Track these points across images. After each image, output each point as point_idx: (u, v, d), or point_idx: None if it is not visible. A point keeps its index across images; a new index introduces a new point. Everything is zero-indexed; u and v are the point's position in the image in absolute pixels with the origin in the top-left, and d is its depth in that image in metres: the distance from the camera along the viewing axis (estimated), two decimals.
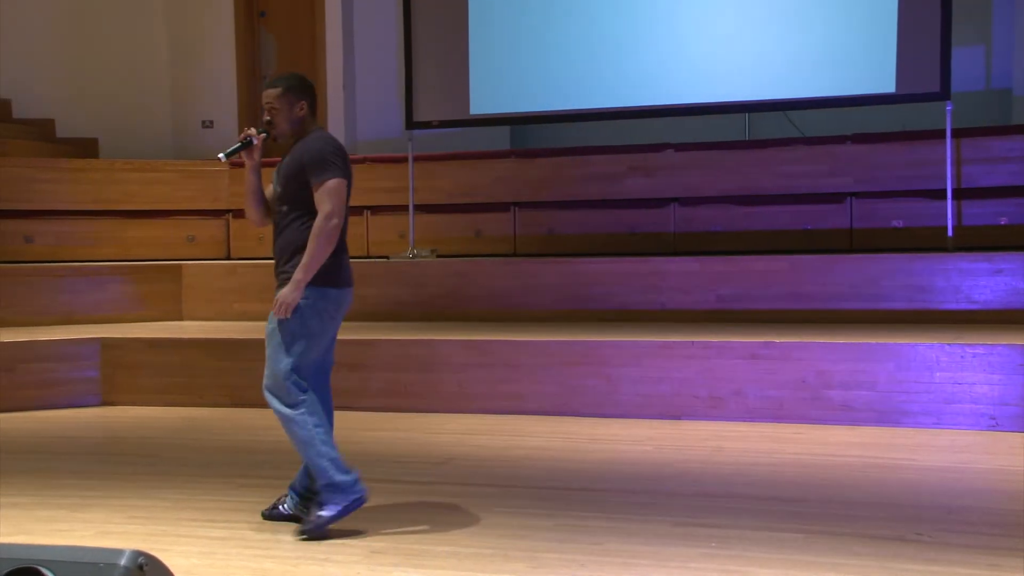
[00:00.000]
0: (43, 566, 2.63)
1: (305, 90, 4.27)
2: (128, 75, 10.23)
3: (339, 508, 4.07)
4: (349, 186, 4.14)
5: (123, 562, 2.62)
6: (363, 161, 9.26)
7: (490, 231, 8.83)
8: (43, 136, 9.94)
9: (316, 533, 4.04)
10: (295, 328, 4.08)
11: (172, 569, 2.77)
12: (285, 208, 4.17)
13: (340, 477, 4.08)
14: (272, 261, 4.21)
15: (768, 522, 4.16)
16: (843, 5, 7.67)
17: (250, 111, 10.34)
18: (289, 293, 4.04)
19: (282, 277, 4.12)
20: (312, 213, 4.09)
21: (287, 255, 4.12)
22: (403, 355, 6.78)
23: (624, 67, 8.09)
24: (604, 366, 6.42)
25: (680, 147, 8.60)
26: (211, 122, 10.34)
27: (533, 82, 8.33)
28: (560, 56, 8.25)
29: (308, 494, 4.21)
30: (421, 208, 8.73)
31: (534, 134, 10.59)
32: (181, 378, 7.08)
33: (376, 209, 9.07)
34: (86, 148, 10.01)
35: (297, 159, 4.15)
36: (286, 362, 4.11)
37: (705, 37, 7.95)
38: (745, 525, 4.13)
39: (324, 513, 4.06)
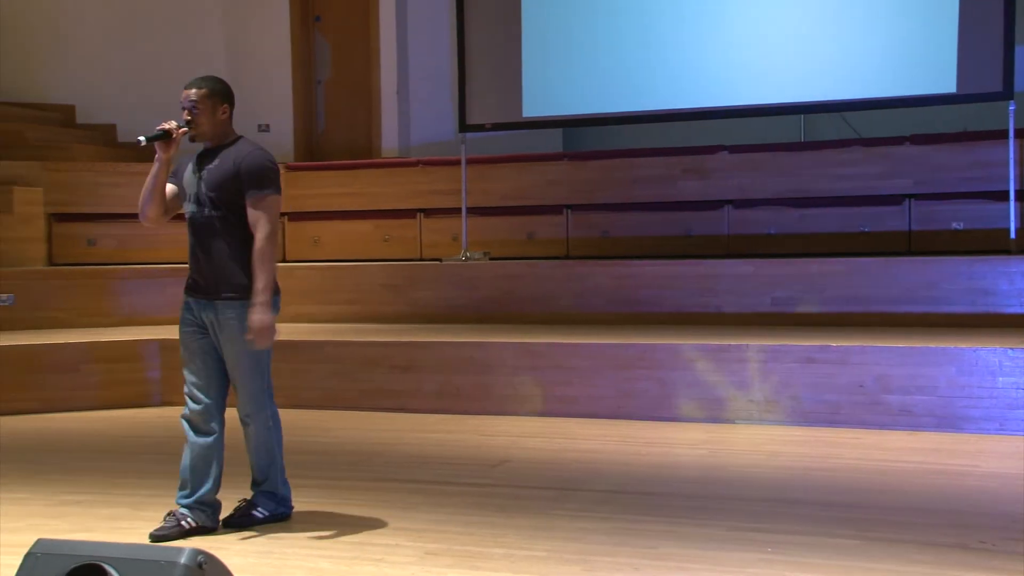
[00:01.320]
0: (106, 563, 2.68)
1: (228, 95, 4.27)
2: (186, 80, 10.34)
3: (268, 515, 4.29)
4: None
5: (183, 560, 2.66)
6: (416, 164, 9.31)
7: (543, 234, 8.83)
8: (105, 141, 10.13)
9: (242, 524, 4.22)
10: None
11: (230, 567, 2.81)
12: (214, 214, 4.11)
13: (285, 491, 4.35)
14: (181, 265, 4.28)
15: (825, 527, 4.11)
16: (902, 3, 7.56)
17: (305, 114, 10.44)
18: (266, 319, 4.05)
19: (227, 298, 4.09)
20: (241, 222, 4.09)
21: (227, 278, 4.10)
22: (456, 357, 6.80)
23: (677, 69, 8.05)
24: (658, 369, 6.39)
25: (734, 149, 8.54)
26: (267, 126, 10.46)
27: (586, 84, 8.31)
28: (613, 58, 8.22)
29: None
30: (474, 211, 8.75)
31: (587, 136, 10.57)
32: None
33: (429, 212, 9.11)
34: (145, 152, 10.14)
35: (231, 166, 4.12)
36: (262, 380, 4.23)
37: (759, 37, 7.87)
38: (801, 530, 4.08)
39: (257, 514, 4.27)
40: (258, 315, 4.05)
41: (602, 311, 7.68)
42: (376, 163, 9.67)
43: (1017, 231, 7.22)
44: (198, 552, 2.68)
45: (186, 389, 4.21)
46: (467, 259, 8.45)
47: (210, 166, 4.17)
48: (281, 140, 10.33)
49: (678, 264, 7.73)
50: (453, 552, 3.92)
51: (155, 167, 4.16)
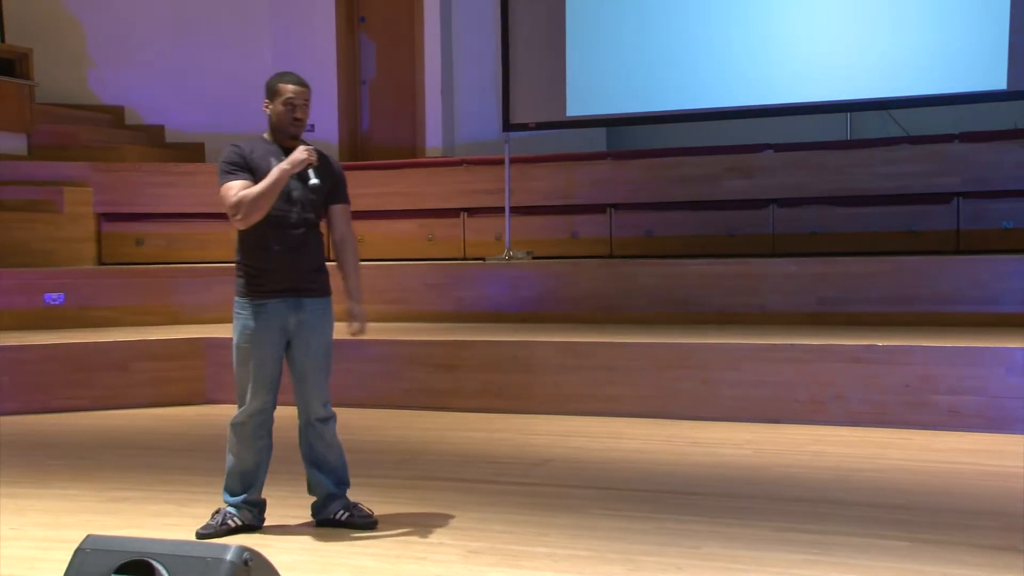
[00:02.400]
0: (154, 559, 2.72)
1: None
2: (233, 81, 10.49)
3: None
4: None
5: (229, 557, 2.69)
6: (460, 163, 9.34)
7: (586, 233, 8.82)
8: (153, 142, 10.28)
9: (366, 525, 4.24)
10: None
11: (275, 565, 2.83)
12: (311, 216, 4.18)
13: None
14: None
15: (872, 529, 4.07)
16: None
17: (350, 114, 10.50)
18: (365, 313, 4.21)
19: (317, 295, 4.18)
20: (318, 221, 4.22)
21: (316, 275, 4.21)
22: (499, 356, 6.81)
23: (721, 67, 8.00)
24: (703, 369, 6.36)
25: (779, 147, 8.47)
26: (312, 125, 10.52)
27: (629, 83, 8.28)
28: (657, 57, 8.19)
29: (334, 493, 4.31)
30: (517, 210, 8.76)
31: (630, 135, 10.54)
32: (283, 378, 7.20)
33: (472, 211, 9.13)
34: (193, 152, 10.31)
35: (333, 172, 4.25)
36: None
37: (804, 35, 7.80)
38: (848, 531, 4.04)
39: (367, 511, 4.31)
40: (362, 309, 4.21)
41: (646, 310, 7.66)
42: (420, 163, 9.71)
43: None
44: (244, 549, 2.71)
45: (252, 390, 4.17)
46: (510, 258, 8.46)
47: (312, 171, 4.14)
48: (326, 140, 10.41)
49: (723, 263, 7.69)
50: (496, 551, 3.93)
51: (283, 175, 4.06)
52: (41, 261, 8.57)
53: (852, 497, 4.57)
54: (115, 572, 2.73)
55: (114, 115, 10.39)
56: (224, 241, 9.20)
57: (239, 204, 4.01)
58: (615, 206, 8.76)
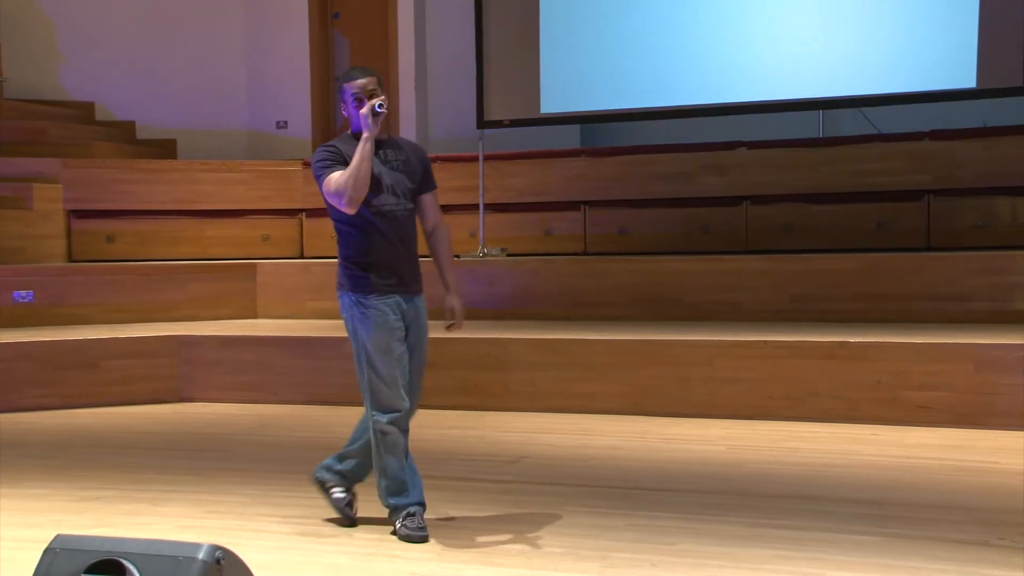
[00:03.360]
0: (125, 559, 2.69)
1: None
2: (205, 77, 10.43)
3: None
4: None
5: (201, 556, 2.66)
6: (435, 160, 9.26)
7: (561, 230, 8.82)
8: (124, 138, 10.19)
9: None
10: None
11: (248, 563, 2.81)
12: (411, 207, 4.12)
13: None
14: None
15: (844, 524, 4.10)
16: None
17: (323, 111, 10.46)
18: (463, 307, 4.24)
19: (421, 290, 4.17)
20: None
21: (418, 270, 4.18)
22: (474, 354, 6.80)
23: (695, 65, 8.02)
24: (677, 366, 6.38)
25: (753, 145, 8.50)
26: (285, 123, 10.49)
27: (604, 81, 8.29)
28: (631, 54, 8.20)
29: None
30: (492, 207, 8.75)
31: (605, 133, 10.55)
32: (256, 375, 7.19)
33: (447, 208, 9.02)
34: (165, 149, 10.24)
35: (418, 160, 4.18)
36: None
37: (778, 33, 7.83)
38: (820, 527, 4.07)
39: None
40: (460, 300, 4.21)
41: (620, 307, 7.67)
42: None
43: None
44: (216, 548, 2.68)
45: (391, 392, 4.01)
46: (485, 255, 8.45)
47: (398, 158, 4.11)
48: (299, 136, 10.36)
49: (697, 260, 7.71)
50: (470, 548, 3.92)
51: (369, 145, 3.92)
52: (10, 258, 8.48)
53: (824, 493, 4.59)
54: (85, 572, 2.70)
55: (84, 111, 10.28)
56: (193, 239, 9.16)
57: (343, 185, 3.90)
58: (589, 203, 8.77)
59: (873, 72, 7.60)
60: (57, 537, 2.82)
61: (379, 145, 4.06)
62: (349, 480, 4.31)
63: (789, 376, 6.14)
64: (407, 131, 10.13)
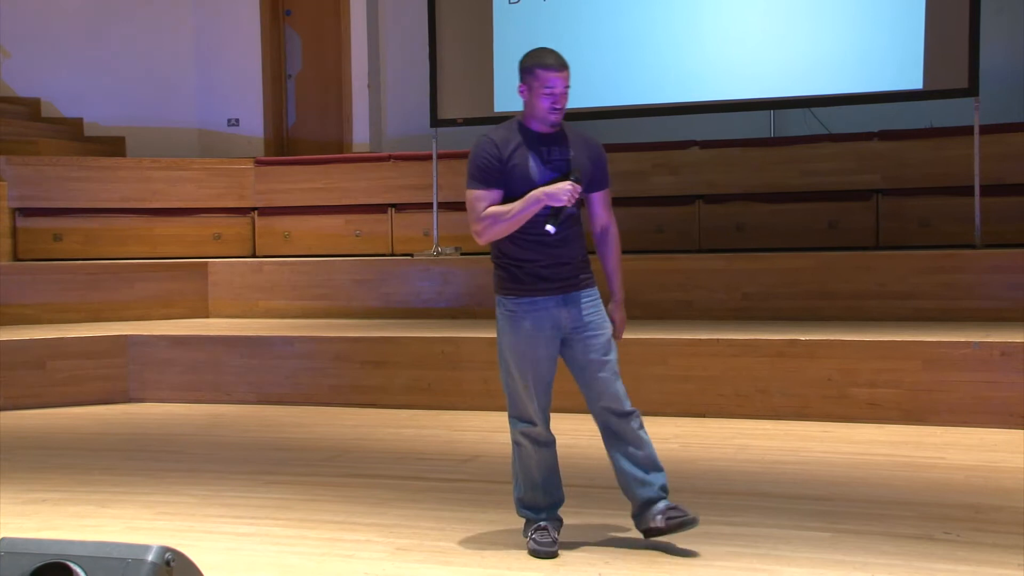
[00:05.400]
0: (72, 562, 2.65)
1: None
2: (155, 74, 10.30)
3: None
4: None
5: (151, 558, 2.63)
6: (387, 159, 9.28)
7: None
8: (72, 135, 10.03)
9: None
10: None
11: (199, 564, 2.79)
12: (576, 209, 3.85)
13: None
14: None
15: (795, 520, 4.14)
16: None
17: (275, 109, 10.38)
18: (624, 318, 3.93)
19: (589, 283, 3.88)
20: None
21: (584, 265, 3.90)
22: (428, 352, 6.78)
23: (647, 64, 8.06)
24: (629, 363, 6.30)
25: (705, 144, 8.57)
26: (237, 120, 10.40)
27: None
28: (584, 53, 8.20)
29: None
30: (445, 206, 8.73)
31: None
32: (207, 375, 7.12)
33: (400, 207, 9.08)
34: (113, 147, 10.09)
35: (592, 156, 3.90)
36: None
37: (729, 34, 7.90)
38: (771, 523, 4.11)
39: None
40: (623, 312, 3.91)
41: None
42: (347, 158, 9.62)
43: (981, 226, 7.29)
44: (166, 549, 2.65)
45: (531, 406, 3.89)
46: (438, 254, 8.44)
47: (573, 155, 3.84)
48: (251, 134, 10.28)
49: (650, 259, 7.74)
50: (424, 547, 3.91)
51: (536, 206, 3.72)
52: None
53: (775, 489, 4.64)
54: (31, 575, 2.66)
55: (30, 107, 10.11)
56: (143, 237, 9.05)
57: (484, 226, 3.77)
58: None
59: (823, 73, 7.69)
60: (2, 540, 2.78)
61: (542, 142, 3.84)
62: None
63: (741, 374, 6.19)
64: (360, 129, 10.10)
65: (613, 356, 3.86)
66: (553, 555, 3.76)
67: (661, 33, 8.02)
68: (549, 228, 3.71)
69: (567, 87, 3.84)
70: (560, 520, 3.95)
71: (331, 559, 3.80)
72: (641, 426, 3.89)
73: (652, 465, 3.86)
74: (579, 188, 3.74)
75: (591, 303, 3.85)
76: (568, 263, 3.82)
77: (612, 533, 4.05)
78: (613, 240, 3.99)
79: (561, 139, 3.87)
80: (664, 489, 3.84)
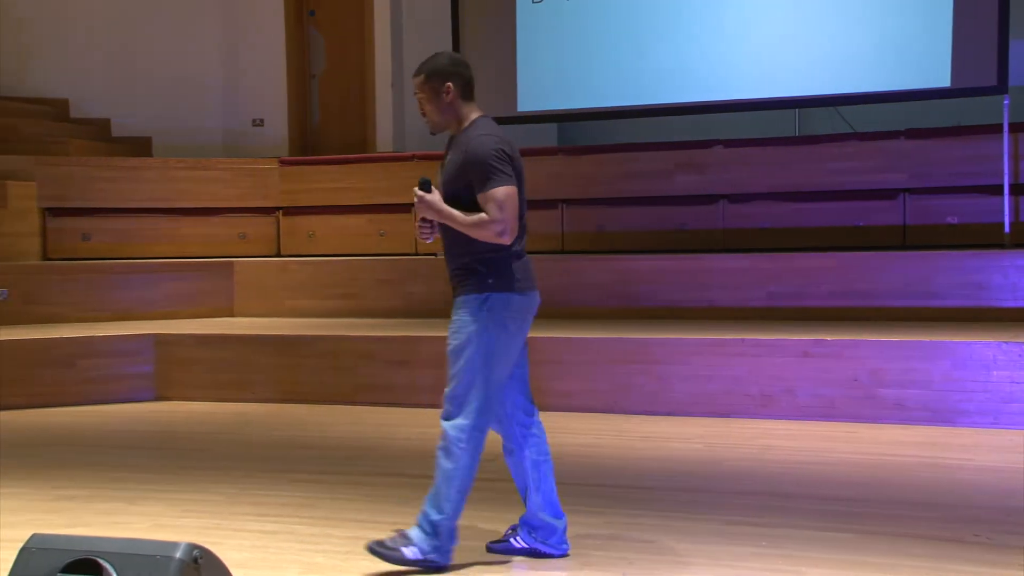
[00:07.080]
0: (102, 558, 2.68)
1: (450, 72, 3.80)
2: (181, 75, 10.35)
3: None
4: (521, 184, 3.80)
5: (178, 555, 2.65)
6: (411, 158, 9.29)
7: (537, 228, 8.76)
8: (99, 136, 10.10)
9: (386, 557, 3.63)
10: None
11: (225, 562, 2.81)
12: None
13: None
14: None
15: (820, 521, 4.12)
16: None
17: (300, 109, 10.42)
18: (436, 200, 3.79)
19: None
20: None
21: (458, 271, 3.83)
22: None
23: (672, 64, 8.04)
24: (654, 364, 6.39)
25: (729, 143, 8.53)
26: (261, 120, 10.44)
27: (580, 79, 8.29)
28: (608, 53, 8.21)
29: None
30: None
31: (582, 131, 10.56)
32: (233, 374, 7.16)
33: None
34: (140, 147, 10.16)
35: (458, 159, 3.74)
36: None
37: (754, 32, 7.87)
38: (797, 524, 4.09)
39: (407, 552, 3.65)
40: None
41: (597, 306, 7.68)
42: (371, 157, 9.64)
43: (1011, 225, 7.23)
44: (193, 546, 2.67)
45: (498, 408, 3.94)
46: None
47: (447, 159, 3.81)
48: (275, 135, 10.31)
49: (673, 259, 7.73)
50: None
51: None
52: None
53: (801, 490, 4.62)
54: (61, 571, 2.68)
55: (58, 108, 10.19)
56: (170, 237, 9.10)
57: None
58: (566, 201, 8.77)
59: (849, 71, 7.65)
60: (33, 536, 2.81)
61: (447, 144, 3.82)
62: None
63: (766, 374, 6.16)
64: (384, 129, 10.12)
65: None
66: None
67: (684, 32, 8.00)
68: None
69: (415, 93, 3.85)
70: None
71: (355, 558, 3.81)
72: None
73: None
74: (422, 195, 3.71)
75: (457, 306, 3.92)
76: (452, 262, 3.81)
77: (635, 532, 4.04)
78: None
79: (456, 142, 3.82)
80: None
